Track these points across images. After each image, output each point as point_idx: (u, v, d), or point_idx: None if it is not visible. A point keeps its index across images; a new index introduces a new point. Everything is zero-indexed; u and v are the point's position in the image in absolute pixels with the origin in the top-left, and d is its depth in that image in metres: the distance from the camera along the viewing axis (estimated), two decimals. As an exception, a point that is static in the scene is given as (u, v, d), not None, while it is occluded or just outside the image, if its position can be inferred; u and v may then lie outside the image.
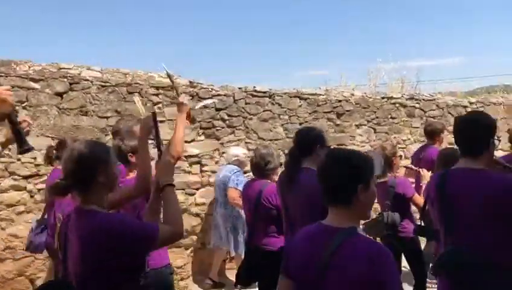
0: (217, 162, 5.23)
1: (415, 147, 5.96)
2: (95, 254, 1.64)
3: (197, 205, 5.14)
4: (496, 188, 2.05)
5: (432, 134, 5.08)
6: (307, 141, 2.79)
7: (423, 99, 6.73)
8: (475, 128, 2.22)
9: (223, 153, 5.21)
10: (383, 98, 6.46)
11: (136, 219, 2.03)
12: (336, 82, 7.35)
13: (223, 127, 5.27)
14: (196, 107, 4.70)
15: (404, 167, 4.92)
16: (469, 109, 7.14)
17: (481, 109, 7.25)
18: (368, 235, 2.11)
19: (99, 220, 1.68)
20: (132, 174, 2.75)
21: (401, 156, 5.96)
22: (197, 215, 5.15)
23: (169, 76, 3.35)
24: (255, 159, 3.69)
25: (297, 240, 1.70)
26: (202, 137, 5.20)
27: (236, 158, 4.86)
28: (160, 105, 4.96)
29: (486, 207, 2.05)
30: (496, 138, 2.27)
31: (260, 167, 3.62)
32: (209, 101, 5.05)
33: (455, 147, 2.47)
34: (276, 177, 3.51)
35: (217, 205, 4.86)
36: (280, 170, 3.53)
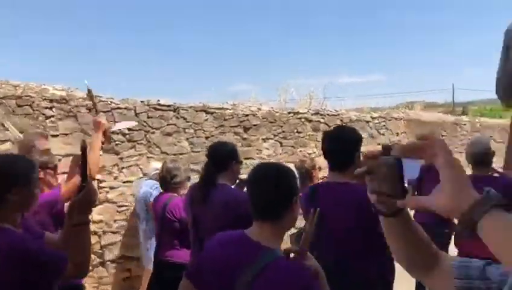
0: (115, 178, 5.06)
1: (321, 160, 6.17)
2: (4, 272, 1.56)
3: (94, 222, 4.92)
4: (364, 200, 2.09)
5: (386, 149, 5.41)
6: (222, 156, 2.75)
7: (328, 114, 7.02)
8: (340, 143, 2.29)
9: (123, 168, 5.05)
10: (289, 113, 6.65)
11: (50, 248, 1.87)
12: (247, 97, 7.44)
13: (122, 142, 5.12)
14: (113, 129, 4.49)
15: (325, 177, 5.07)
16: (371, 124, 7.57)
17: (383, 124, 7.72)
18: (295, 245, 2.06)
19: (15, 239, 1.61)
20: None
21: (320, 168, 6.14)
22: (95, 233, 4.93)
23: (90, 93, 3.26)
24: (161, 172, 3.73)
25: (213, 246, 1.65)
26: (100, 152, 5.00)
27: (156, 172, 4.75)
28: (53, 118, 4.72)
29: (358, 220, 2.10)
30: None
31: (166, 180, 3.67)
32: (129, 124, 4.86)
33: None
34: (184, 191, 3.53)
35: (140, 221, 4.73)
36: (189, 184, 3.54)
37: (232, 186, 2.85)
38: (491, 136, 9.24)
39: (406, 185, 0.95)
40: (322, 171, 4.82)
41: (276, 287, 1.40)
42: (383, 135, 7.60)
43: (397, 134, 7.78)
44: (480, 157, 3.47)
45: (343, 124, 7.14)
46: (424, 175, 1.56)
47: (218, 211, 2.57)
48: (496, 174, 3.87)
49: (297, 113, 6.72)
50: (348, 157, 2.25)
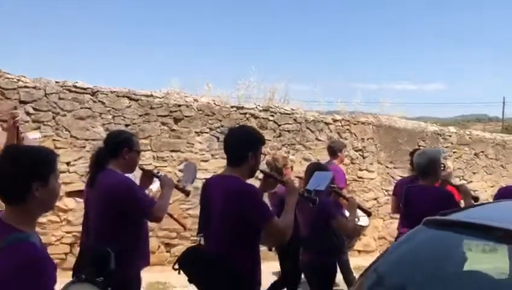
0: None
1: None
2: None
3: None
4: (232, 192, 2.24)
5: (335, 151, 5.24)
6: (114, 142, 2.79)
7: (279, 112, 6.52)
8: (235, 141, 2.40)
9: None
10: (232, 107, 6.22)
11: None
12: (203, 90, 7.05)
13: (26, 121, 4.89)
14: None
15: (297, 177, 4.75)
16: (332, 127, 6.99)
17: (346, 128, 7.11)
18: None
19: None
20: None
21: (292, 167, 5.68)
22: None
23: None
24: None
25: None
26: (-3, 130, 4.80)
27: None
28: None
29: (228, 211, 2.23)
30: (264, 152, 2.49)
31: None
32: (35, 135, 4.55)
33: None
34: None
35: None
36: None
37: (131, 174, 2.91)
38: (482, 152, 8.36)
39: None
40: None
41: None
42: (346, 139, 6.99)
43: (363, 140, 7.14)
44: (423, 168, 3.54)
45: (301, 124, 6.63)
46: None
47: (100, 194, 2.65)
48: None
49: (242, 108, 6.28)
50: (240, 155, 2.35)
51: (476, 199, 5.35)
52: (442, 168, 3.72)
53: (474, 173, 8.22)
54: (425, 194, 3.39)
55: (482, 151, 8.36)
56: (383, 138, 7.33)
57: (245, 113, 6.27)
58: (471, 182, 8.17)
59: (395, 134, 7.46)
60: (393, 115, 8.05)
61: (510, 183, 6.30)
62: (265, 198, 3.24)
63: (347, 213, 3.64)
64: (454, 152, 8.05)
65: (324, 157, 6.76)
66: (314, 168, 3.57)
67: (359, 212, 3.79)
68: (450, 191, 3.80)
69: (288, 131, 6.57)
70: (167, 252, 5.80)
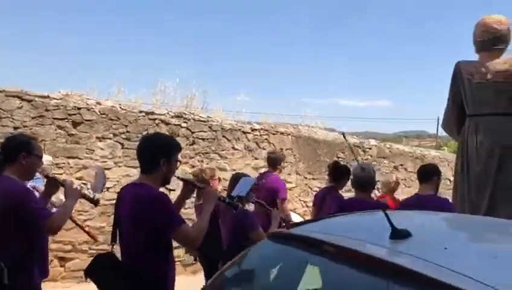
0: None
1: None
2: None
3: None
4: (143, 200, 2.22)
5: (275, 162, 5.20)
6: (9, 147, 2.65)
7: (193, 119, 6.26)
8: (148, 148, 2.40)
9: None
10: (140, 112, 5.88)
11: None
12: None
13: None
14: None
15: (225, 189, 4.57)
16: (250, 136, 6.82)
17: (265, 137, 6.97)
18: None
19: None
20: None
21: (220, 179, 5.40)
22: None
23: None
24: None
25: None
26: None
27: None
28: None
29: (139, 219, 2.22)
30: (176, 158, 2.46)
31: None
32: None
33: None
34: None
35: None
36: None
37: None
38: (401, 165, 8.52)
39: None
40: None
41: None
42: (264, 149, 6.84)
43: (282, 150, 7.01)
44: (364, 181, 3.67)
45: (217, 131, 6.40)
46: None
47: None
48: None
49: (152, 113, 5.96)
50: (152, 162, 2.34)
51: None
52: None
53: (393, 186, 8.32)
54: (364, 207, 3.23)
55: (401, 164, 8.51)
56: (302, 149, 7.25)
57: (154, 119, 5.95)
58: (389, 194, 8.27)
59: (314, 145, 7.41)
60: (314, 126, 8.03)
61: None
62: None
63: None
64: (374, 165, 8.12)
65: (239, 167, 6.58)
66: (239, 177, 3.57)
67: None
68: (387, 203, 3.94)
69: (203, 139, 6.32)
70: (61, 266, 5.32)
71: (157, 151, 2.35)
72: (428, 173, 3.99)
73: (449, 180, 8.87)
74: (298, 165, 7.19)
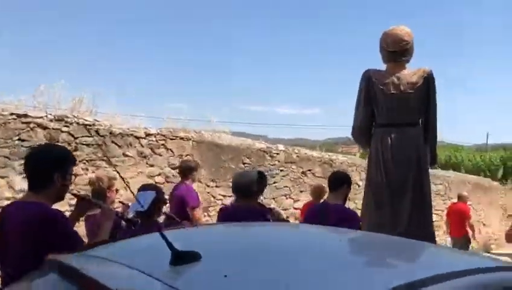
0: None
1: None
2: None
3: None
4: (34, 220, 2.03)
5: (186, 171, 5.14)
6: None
7: (76, 123, 5.64)
8: (38, 161, 2.21)
9: None
10: (12, 114, 5.18)
11: None
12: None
13: None
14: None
15: (120, 202, 4.30)
16: (145, 141, 6.31)
17: (162, 143, 6.50)
18: None
19: None
20: None
21: (117, 190, 4.79)
22: None
23: None
24: None
25: None
26: None
27: None
28: None
29: (26, 237, 2.03)
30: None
31: None
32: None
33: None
34: None
35: None
36: None
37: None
38: (309, 170, 8.42)
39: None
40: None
41: None
42: (161, 155, 6.36)
43: (181, 156, 6.58)
44: (239, 188, 3.59)
45: (110, 137, 5.82)
46: None
47: None
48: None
49: (25, 116, 5.27)
50: (44, 177, 2.17)
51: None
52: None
53: (301, 191, 8.20)
54: (243, 215, 3.25)
55: (309, 170, 8.41)
56: (204, 155, 6.86)
57: (29, 123, 5.26)
58: (298, 200, 8.14)
59: (218, 151, 7.06)
60: (219, 131, 7.69)
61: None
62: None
63: None
64: (281, 170, 7.94)
65: (131, 175, 6.06)
66: (143, 189, 3.39)
67: None
68: (263, 209, 3.74)
69: (88, 145, 5.71)
70: None
71: (50, 165, 2.18)
72: (338, 181, 3.85)
73: (357, 185, 8.96)
74: (200, 172, 6.78)
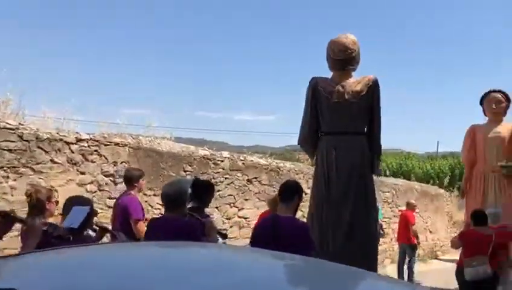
0: None
1: None
2: None
3: None
4: None
5: (130, 180, 4.99)
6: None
7: (-3, 127, 5.21)
8: None
9: None
10: None
11: None
12: None
13: None
14: None
15: (61, 214, 3.90)
16: (75, 147, 5.93)
17: (94, 149, 6.13)
18: None
19: None
20: None
21: (57, 201, 4.35)
22: None
23: None
24: None
25: None
26: None
27: None
28: None
29: None
30: None
31: None
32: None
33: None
34: None
35: None
36: None
37: None
38: (255, 178, 8.25)
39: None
40: None
41: None
42: (93, 162, 6.00)
43: (115, 163, 6.24)
44: (167, 198, 3.42)
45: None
46: None
47: None
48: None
49: None
50: None
51: (225, 235, 4.87)
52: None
53: (246, 200, 8.01)
54: (170, 227, 3.16)
55: (256, 177, 8.25)
56: (141, 162, 6.54)
57: None
58: (242, 209, 7.95)
59: (156, 158, 6.76)
60: (161, 137, 7.40)
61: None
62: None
63: None
64: (226, 178, 7.73)
65: (60, 183, 5.67)
66: (72, 202, 3.35)
67: None
68: (192, 222, 3.54)
69: (10, 150, 5.29)
70: None
71: None
72: (290, 193, 3.64)
73: (305, 193, 8.87)
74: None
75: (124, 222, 4.70)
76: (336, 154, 5.51)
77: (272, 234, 3.32)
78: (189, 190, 3.67)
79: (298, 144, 5.97)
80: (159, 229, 3.38)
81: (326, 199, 5.41)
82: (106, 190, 6.12)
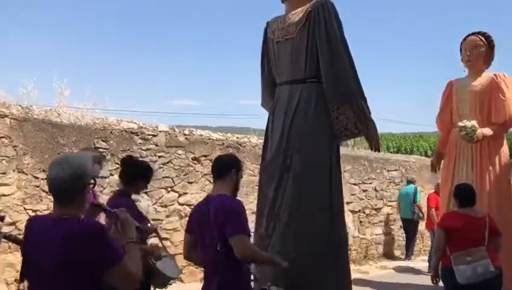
0: None
1: None
2: None
3: None
4: None
5: None
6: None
7: None
8: None
9: None
10: None
11: None
12: None
13: None
14: None
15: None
16: None
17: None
18: None
19: None
20: None
21: None
22: None
23: None
24: None
25: None
26: None
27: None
28: None
29: None
30: None
31: None
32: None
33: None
34: None
35: None
36: None
37: None
38: (205, 155, 6.69)
39: None
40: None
41: None
42: (-46, 138, 4.70)
43: (-11, 139, 4.90)
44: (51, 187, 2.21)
45: None
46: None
47: None
48: None
49: None
50: None
51: (147, 232, 3.60)
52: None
53: (190, 183, 6.47)
54: (54, 236, 1.95)
55: (205, 156, 6.68)
56: (30, 137, 5.17)
57: None
58: (185, 193, 6.42)
59: (53, 131, 5.36)
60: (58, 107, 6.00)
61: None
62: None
63: None
64: (160, 156, 6.23)
65: None
66: None
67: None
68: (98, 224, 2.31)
69: None
70: None
71: None
72: (223, 167, 3.02)
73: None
74: (23, 160, 5.10)
75: None
76: (273, 115, 4.26)
77: (204, 215, 2.85)
78: (93, 169, 2.13)
79: (262, 105, 4.73)
80: (39, 239, 1.96)
81: (263, 170, 4.32)
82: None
